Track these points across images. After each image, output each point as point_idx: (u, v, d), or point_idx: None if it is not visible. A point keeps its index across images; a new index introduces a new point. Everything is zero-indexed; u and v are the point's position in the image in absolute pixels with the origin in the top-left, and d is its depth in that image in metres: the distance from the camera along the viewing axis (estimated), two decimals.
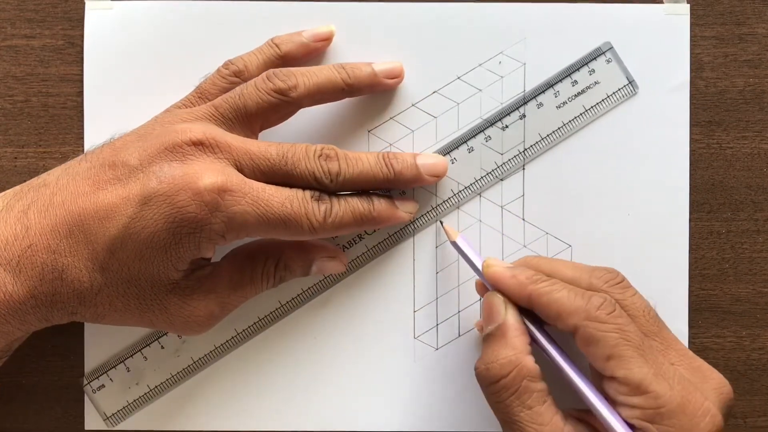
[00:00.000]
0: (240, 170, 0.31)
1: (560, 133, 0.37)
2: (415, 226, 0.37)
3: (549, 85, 0.37)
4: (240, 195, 0.30)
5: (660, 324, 0.31)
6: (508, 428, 0.30)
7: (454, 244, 0.35)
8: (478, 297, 0.37)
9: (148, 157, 0.31)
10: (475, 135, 0.37)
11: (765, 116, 0.38)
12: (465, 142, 0.37)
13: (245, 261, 0.33)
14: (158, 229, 0.30)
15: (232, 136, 0.32)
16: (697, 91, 0.37)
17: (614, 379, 0.29)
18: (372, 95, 0.37)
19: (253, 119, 0.33)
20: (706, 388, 0.29)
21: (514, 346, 0.31)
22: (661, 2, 0.37)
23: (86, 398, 0.37)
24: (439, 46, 0.37)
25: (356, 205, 0.33)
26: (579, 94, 0.37)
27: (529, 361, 0.30)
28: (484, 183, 0.37)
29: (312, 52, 0.36)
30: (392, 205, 0.34)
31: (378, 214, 0.34)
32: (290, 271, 0.34)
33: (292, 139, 0.37)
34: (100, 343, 0.37)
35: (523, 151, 0.37)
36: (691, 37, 0.37)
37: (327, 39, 0.36)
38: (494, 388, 0.30)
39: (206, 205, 0.30)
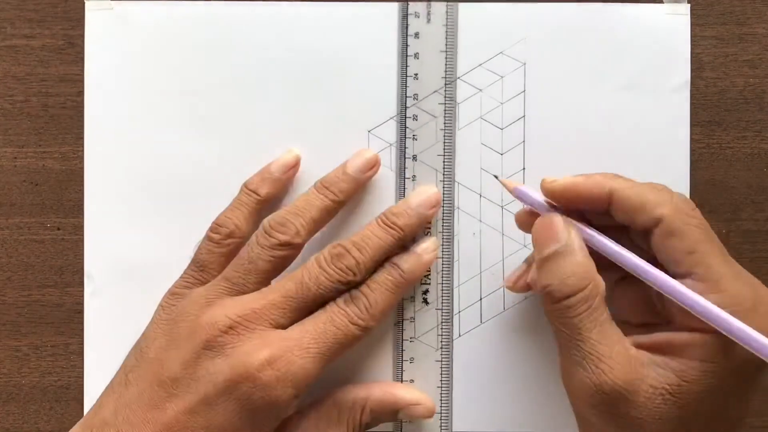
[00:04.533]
0: (277, 324, 0.32)
1: (561, 132, 0.37)
2: None
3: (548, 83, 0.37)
4: (288, 354, 0.31)
5: None
6: (574, 348, 0.29)
7: (516, 191, 0.33)
8: (478, 297, 0.37)
9: (190, 363, 0.31)
10: (475, 135, 0.37)
11: (765, 116, 0.38)
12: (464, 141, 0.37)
13: (332, 409, 0.34)
14: (236, 425, 0.30)
15: (251, 298, 0.32)
16: (697, 91, 0.37)
17: (691, 275, 0.29)
18: (371, 94, 0.37)
19: (267, 275, 0.33)
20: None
21: (588, 263, 0.30)
22: (661, 2, 0.37)
23: (86, 397, 0.37)
24: (439, 46, 0.37)
25: (386, 279, 0.33)
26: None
27: (602, 280, 0.30)
28: (484, 182, 0.37)
29: (286, 183, 0.36)
30: (416, 256, 0.35)
31: (409, 273, 0.34)
32: (376, 418, 0.34)
33: (288, 142, 0.37)
34: (100, 343, 0.37)
35: (524, 150, 0.37)
36: (692, 37, 0.37)
37: (296, 165, 0.36)
38: (570, 302, 0.29)
39: (267, 385, 0.30)
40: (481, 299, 0.37)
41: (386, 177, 0.37)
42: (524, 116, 0.37)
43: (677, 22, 0.37)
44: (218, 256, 0.34)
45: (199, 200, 0.37)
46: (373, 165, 0.36)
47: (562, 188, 0.31)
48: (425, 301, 0.37)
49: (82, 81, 0.37)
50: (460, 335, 0.37)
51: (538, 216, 0.32)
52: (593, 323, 0.29)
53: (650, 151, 0.37)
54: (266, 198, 0.35)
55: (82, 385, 0.37)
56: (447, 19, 0.37)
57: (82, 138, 0.37)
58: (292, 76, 0.37)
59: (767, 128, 0.38)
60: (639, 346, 0.29)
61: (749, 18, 0.38)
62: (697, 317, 0.28)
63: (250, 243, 0.33)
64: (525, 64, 0.37)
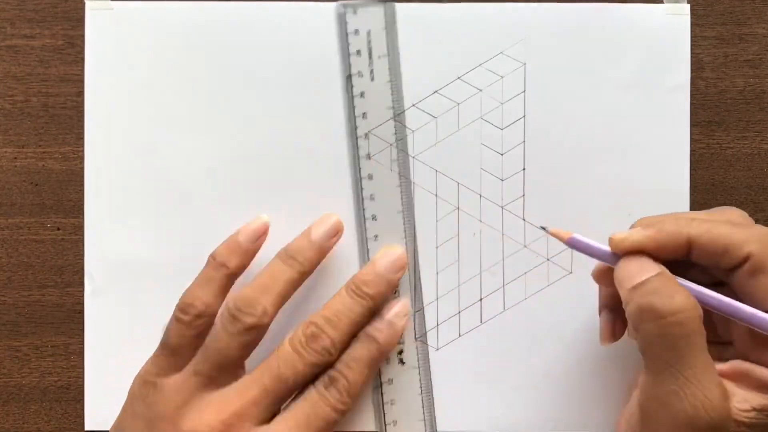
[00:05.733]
0: (259, 421, 0.31)
1: (561, 132, 0.37)
2: (416, 226, 0.37)
3: (549, 84, 0.37)
4: None
5: None
6: (671, 375, 0.27)
7: (571, 241, 0.32)
8: (479, 297, 0.37)
9: None
10: (475, 135, 0.37)
11: (765, 116, 0.38)
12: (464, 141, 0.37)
13: None
14: None
15: (229, 396, 0.31)
16: (697, 91, 0.37)
17: None
18: (371, 95, 0.37)
19: (238, 362, 0.33)
20: None
21: (684, 291, 0.28)
22: (661, 2, 0.37)
23: (86, 397, 0.37)
24: (439, 46, 0.37)
25: (362, 354, 0.33)
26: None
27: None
28: (484, 182, 0.37)
29: (255, 253, 0.34)
30: (389, 324, 0.34)
31: (385, 345, 0.34)
32: None
33: (287, 141, 0.37)
34: (101, 343, 0.37)
35: (524, 150, 0.37)
36: (692, 37, 0.37)
37: (264, 233, 0.35)
38: (678, 318, 0.27)
39: None
40: (481, 299, 0.37)
41: (387, 177, 0.37)
42: (524, 116, 0.37)
43: (677, 22, 0.37)
44: (190, 339, 0.33)
45: (198, 200, 0.37)
46: (338, 231, 0.35)
47: (636, 245, 0.29)
48: (401, 362, 0.37)
49: (82, 81, 0.37)
50: (460, 335, 0.37)
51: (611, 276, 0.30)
52: (696, 349, 0.27)
53: (650, 151, 0.37)
54: (235, 271, 0.33)
55: (82, 385, 0.37)
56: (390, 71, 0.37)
57: (83, 138, 0.37)
58: (292, 77, 0.37)
59: (767, 128, 0.38)
60: (720, 374, 0.28)
61: (749, 18, 0.38)
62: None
63: (215, 329, 0.32)
64: (525, 64, 0.37)
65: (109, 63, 0.37)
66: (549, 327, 0.37)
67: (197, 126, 0.37)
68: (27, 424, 0.38)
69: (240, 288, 0.33)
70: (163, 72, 0.37)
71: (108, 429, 0.37)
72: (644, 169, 0.37)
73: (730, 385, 0.28)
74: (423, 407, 0.36)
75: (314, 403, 0.32)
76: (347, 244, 0.37)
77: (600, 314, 0.34)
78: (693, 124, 0.37)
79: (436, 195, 0.37)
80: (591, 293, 0.34)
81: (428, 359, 0.37)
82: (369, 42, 0.37)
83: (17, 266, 0.38)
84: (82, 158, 0.37)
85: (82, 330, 0.37)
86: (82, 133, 0.37)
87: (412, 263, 0.37)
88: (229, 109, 0.37)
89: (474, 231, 0.37)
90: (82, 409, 0.37)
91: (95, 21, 0.37)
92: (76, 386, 0.37)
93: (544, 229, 0.33)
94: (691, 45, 0.37)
